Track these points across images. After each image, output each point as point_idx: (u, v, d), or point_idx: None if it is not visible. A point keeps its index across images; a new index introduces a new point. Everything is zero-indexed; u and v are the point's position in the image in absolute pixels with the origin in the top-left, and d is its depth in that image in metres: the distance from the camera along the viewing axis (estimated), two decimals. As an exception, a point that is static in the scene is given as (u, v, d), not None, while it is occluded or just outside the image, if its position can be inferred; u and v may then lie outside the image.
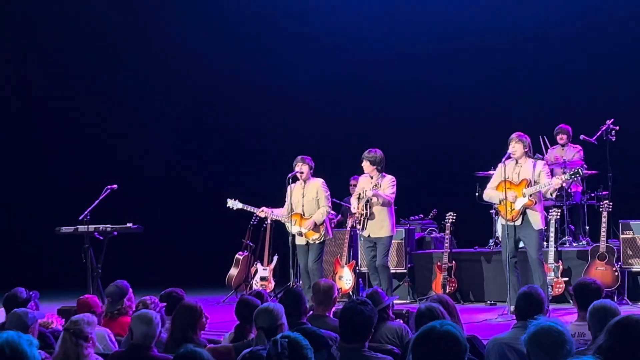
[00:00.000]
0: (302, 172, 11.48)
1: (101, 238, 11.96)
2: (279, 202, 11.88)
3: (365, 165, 11.29)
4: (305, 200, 11.55)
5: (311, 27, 17.22)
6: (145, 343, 6.04)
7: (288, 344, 4.16)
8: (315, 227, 11.46)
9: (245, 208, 12.16)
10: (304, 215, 11.54)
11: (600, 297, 6.37)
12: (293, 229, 11.50)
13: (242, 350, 5.40)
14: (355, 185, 13.54)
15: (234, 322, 6.98)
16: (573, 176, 10.61)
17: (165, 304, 7.56)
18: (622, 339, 4.49)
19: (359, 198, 11.33)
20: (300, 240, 11.57)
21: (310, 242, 11.51)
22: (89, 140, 17.72)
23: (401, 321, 7.30)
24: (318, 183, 11.58)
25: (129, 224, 12.15)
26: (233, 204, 12.17)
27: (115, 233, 12.07)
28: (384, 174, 11.32)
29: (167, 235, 16.87)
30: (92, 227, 11.87)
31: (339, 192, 13.62)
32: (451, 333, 3.98)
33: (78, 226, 12.01)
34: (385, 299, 6.97)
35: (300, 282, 11.67)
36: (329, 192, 11.70)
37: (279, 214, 11.79)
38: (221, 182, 17.09)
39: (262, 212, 12.00)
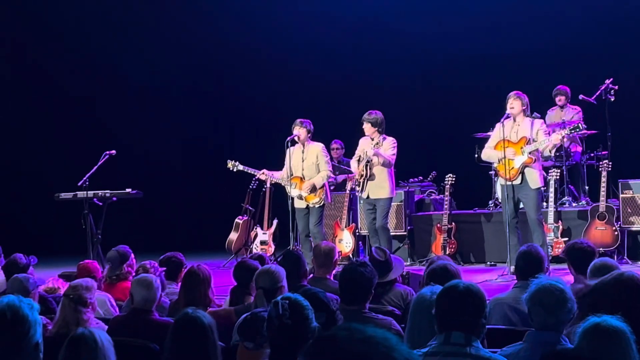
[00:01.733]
0: (299, 136, 11.41)
1: (100, 204, 11.96)
2: (278, 165, 11.81)
3: (367, 127, 11.26)
4: (305, 164, 11.45)
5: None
6: (145, 307, 6.05)
7: (289, 305, 4.16)
8: (315, 191, 11.41)
9: (245, 170, 12.08)
10: (303, 178, 11.45)
11: (594, 256, 6.40)
12: (293, 192, 11.43)
13: (242, 313, 5.43)
14: (337, 149, 13.59)
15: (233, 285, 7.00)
16: (573, 131, 10.56)
17: (165, 268, 7.57)
18: (616, 296, 4.52)
19: (359, 160, 11.29)
20: (299, 204, 11.48)
21: (310, 205, 11.47)
22: (87, 106, 17.67)
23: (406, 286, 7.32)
24: (318, 148, 11.50)
25: (128, 190, 12.14)
26: (234, 165, 12.10)
27: (115, 199, 12.07)
28: (384, 135, 11.28)
29: (166, 200, 16.87)
30: (91, 193, 11.86)
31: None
32: (473, 289, 4.29)
33: (77, 192, 12.00)
34: (402, 266, 7.08)
35: (300, 246, 11.66)
36: (329, 157, 11.68)
37: (278, 176, 11.72)
38: (220, 146, 17.06)
39: (263, 174, 11.87)
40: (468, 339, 4.17)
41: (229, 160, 12.11)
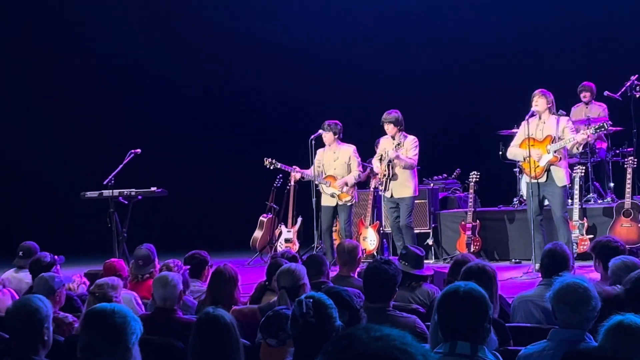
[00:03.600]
0: (326, 139, 11.58)
1: (126, 202, 12.01)
2: (302, 163, 11.92)
3: (389, 127, 11.27)
4: (337, 163, 11.66)
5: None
6: (166, 305, 6.08)
7: (313, 304, 4.17)
8: (347, 189, 11.53)
9: (281, 167, 12.18)
10: (336, 177, 11.64)
11: (622, 254, 6.37)
12: (327, 190, 11.61)
13: (266, 311, 5.45)
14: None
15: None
16: (598, 130, 10.52)
17: (189, 266, 7.61)
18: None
19: (380, 159, 11.32)
20: (328, 202, 11.63)
21: (341, 203, 11.59)
22: (113, 105, 17.76)
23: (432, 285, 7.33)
24: (350, 150, 11.69)
25: (153, 188, 12.19)
26: (271, 162, 12.15)
27: (140, 197, 12.12)
28: (404, 134, 11.30)
29: (191, 199, 16.93)
30: (116, 192, 11.91)
31: (362, 154, 13.68)
32: (474, 293, 4.05)
33: (103, 191, 12.06)
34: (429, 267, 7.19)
35: (323, 243, 11.73)
36: (360, 159, 11.78)
37: (310, 173, 11.85)
38: (245, 144, 17.12)
39: (296, 171, 11.98)
40: (474, 349, 4.03)
41: (265, 158, 12.16)
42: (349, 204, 11.61)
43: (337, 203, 11.60)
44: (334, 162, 11.66)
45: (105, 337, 3.95)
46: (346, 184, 11.53)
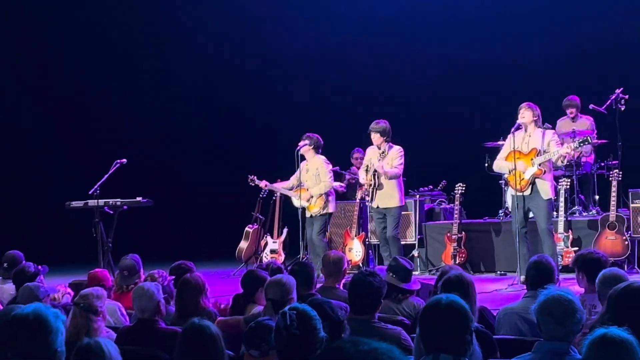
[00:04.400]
0: (304, 149, 11.74)
1: (111, 212, 11.96)
2: (287, 175, 12.09)
3: (376, 137, 11.32)
4: (309, 175, 11.87)
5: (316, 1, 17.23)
6: (145, 316, 6.05)
7: (296, 316, 4.16)
8: (316, 200, 11.61)
9: (257, 183, 12.58)
10: (307, 190, 11.84)
11: (606, 266, 6.39)
12: (296, 202, 11.84)
13: (251, 322, 5.42)
14: (358, 158, 13.68)
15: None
16: (582, 144, 10.56)
17: (174, 276, 7.58)
18: (623, 308, 4.53)
19: (366, 170, 11.36)
20: (307, 213, 11.81)
21: (313, 214, 11.71)
22: (98, 114, 17.72)
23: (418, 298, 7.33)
24: (320, 160, 11.87)
25: (138, 198, 12.15)
26: (252, 180, 12.62)
27: (126, 207, 12.07)
28: (390, 144, 11.34)
29: (177, 209, 16.89)
30: (102, 202, 11.86)
31: (346, 164, 13.75)
32: (455, 305, 4.05)
33: (88, 201, 12.00)
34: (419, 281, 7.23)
35: (309, 254, 11.80)
36: (330, 168, 11.88)
37: (278, 186, 12.14)
38: (231, 155, 17.11)
39: (263, 184, 12.53)
40: None
41: (249, 176, 12.57)
42: (319, 214, 11.70)
43: (311, 214, 11.74)
44: (306, 173, 11.86)
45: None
46: (312, 196, 11.69)
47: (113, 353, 4.22)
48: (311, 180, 11.79)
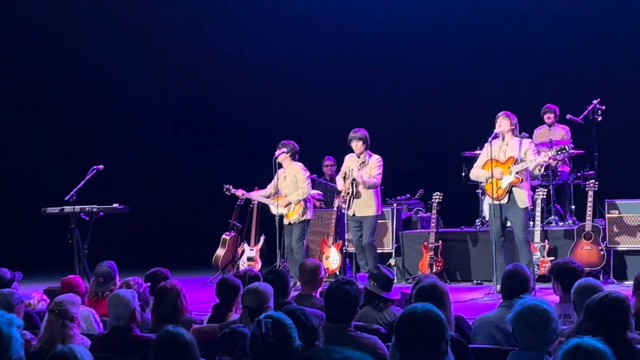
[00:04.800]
0: (281, 156, 11.74)
1: (87, 219, 11.92)
2: (265, 183, 12.09)
3: (359, 145, 11.33)
4: (286, 182, 11.85)
5: (295, 3, 17.21)
6: (120, 324, 6.02)
7: (272, 325, 4.15)
8: (294, 207, 11.63)
9: (233, 192, 12.56)
10: (285, 197, 11.81)
11: (582, 276, 6.41)
12: (274, 210, 11.81)
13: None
14: (329, 166, 13.71)
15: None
16: (559, 152, 10.60)
17: (149, 284, 7.54)
18: (599, 317, 4.55)
19: (344, 177, 11.36)
20: (285, 220, 11.79)
21: (291, 222, 11.69)
22: (75, 120, 17.63)
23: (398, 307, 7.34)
24: (297, 167, 11.86)
25: (115, 205, 12.11)
26: (227, 189, 12.57)
27: (102, 214, 12.03)
28: (369, 152, 11.35)
29: (153, 216, 16.82)
30: (78, 208, 11.81)
31: (317, 172, 13.80)
32: (431, 314, 4.05)
33: (64, 207, 11.95)
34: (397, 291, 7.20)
35: (286, 262, 11.79)
36: (307, 174, 11.89)
37: (254, 195, 12.23)
38: (208, 162, 17.08)
39: (239, 192, 12.51)
40: None
41: (224, 185, 12.53)
42: (298, 221, 11.70)
43: (289, 222, 11.73)
44: (283, 181, 11.86)
45: None
46: (289, 203, 11.69)
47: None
48: (289, 187, 11.78)
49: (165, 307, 6.49)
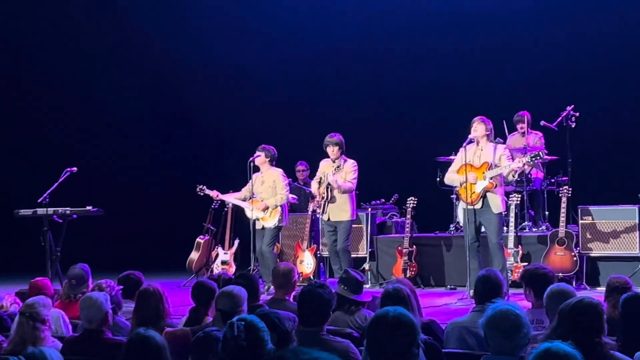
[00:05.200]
0: (260, 160, 11.76)
1: (60, 221, 11.87)
2: (238, 186, 12.08)
3: (335, 150, 11.36)
4: (264, 187, 11.86)
5: (268, 8, 17.21)
6: (92, 327, 5.99)
7: (244, 327, 4.14)
8: (270, 213, 11.62)
9: (207, 193, 12.50)
10: (261, 201, 11.81)
11: (553, 281, 6.47)
12: (251, 214, 11.78)
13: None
14: (302, 171, 13.72)
15: (193, 305, 6.95)
16: (534, 158, 10.63)
17: (122, 287, 7.51)
18: (573, 322, 4.57)
19: (319, 182, 11.37)
20: (257, 225, 11.80)
21: (266, 226, 11.71)
22: (48, 122, 17.55)
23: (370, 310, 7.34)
24: (277, 173, 11.90)
25: (88, 207, 12.07)
26: (201, 189, 12.54)
27: (75, 216, 11.98)
28: (345, 157, 11.37)
29: (127, 219, 16.75)
30: (51, 210, 11.76)
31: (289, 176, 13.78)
32: (403, 318, 4.05)
33: (37, 209, 11.89)
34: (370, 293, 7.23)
35: (259, 266, 11.83)
36: (287, 182, 11.90)
37: (229, 197, 12.22)
38: (182, 165, 17.03)
39: (214, 193, 12.46)
40: None
41: (197, 185, 12.51)
42: (272, 226, 11.72)
43: (263, 226, 11.75)
44: (261, 185, 11.88)
45: None
46: (267, 208, 11.69)
47: None
48: (267, 192, 11.79)
49: (148, 311, 6.46)
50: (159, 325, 6.20)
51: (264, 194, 11.79)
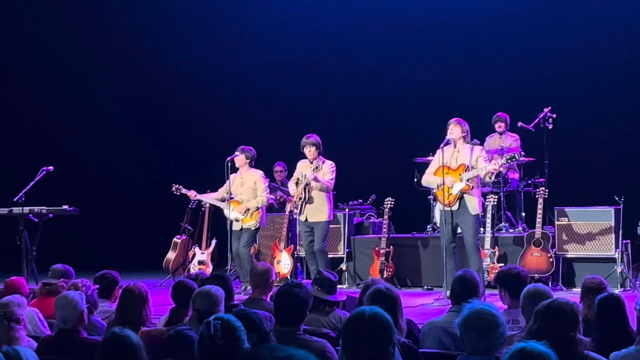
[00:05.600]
0: (240, 161, 11.74)
1: (36, 220, 11.82)
2: (215, 186, 12.03)
3: (311, 150, 11.35)
4: (244, 189, 11.82)
5: (247, 12, 17.20)
6: (67, 326, 5.95)
7: (221, 326, 4.13)
8: (251, 214, 11.60)
9: (184, 192, 12.37)
10: (241, 203, 11.75)
11: (527, 280, 6.51)
12: (231, 215, 11.72)
13: (174, 332, 5.36)
14: (280, 172, 13.71)
15: (171, 305, 6.93)
16: (509, 160, 10.66)
17: (97, 286, 7.48)
18: (548, 322, 4.60)
19: (297, 182, 11.37)
20: (235, 226, 11.77)
21: (245, 227, 11.68)
22: (25, 120, 17.45)
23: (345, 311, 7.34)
24: (257, 175, 11.88)
25: (64, 206, 12.03)
26: (177, 189, 12.41)
27: (51, 215, 11.94)
28: (322, 158, 11.37)
29: (103, 218, 16.69)
30: (26, 209, 11.71)
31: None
32: (379, 317, 4.06)
33: (12, 208, 11.84)
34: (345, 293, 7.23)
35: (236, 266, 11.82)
36: (267, 184, 11.87)
37: (206, 197, 12.09)
38: (159, 165, 16.99)
39: (192, 194, 12.33)
40: None
41: (173, 184, 12.30)
42: (252, 228, 11.71)
43: (241, 227, 11.68)
44: (240, 186, 11.85)
45: None
46: (248, 209, 11.66)
47: None
48: (247, 193, 11.77)
49: (132, 314, 6.43)
50: (138, 328, 6.17)
51: (244, 195, 11.77)
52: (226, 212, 11.78)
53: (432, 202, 12.63)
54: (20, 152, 16.80)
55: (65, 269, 8.16)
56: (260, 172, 11.92)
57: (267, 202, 11.95)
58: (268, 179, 12.43)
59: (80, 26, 17.43)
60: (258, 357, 2.07)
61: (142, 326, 6.39)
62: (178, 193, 12.42)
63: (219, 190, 12.01)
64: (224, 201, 11.87)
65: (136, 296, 6.54)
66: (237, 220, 11.73)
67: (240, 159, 11.73)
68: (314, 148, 11.33)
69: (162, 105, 17.59)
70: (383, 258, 12.28)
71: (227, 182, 11.77)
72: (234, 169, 11.86)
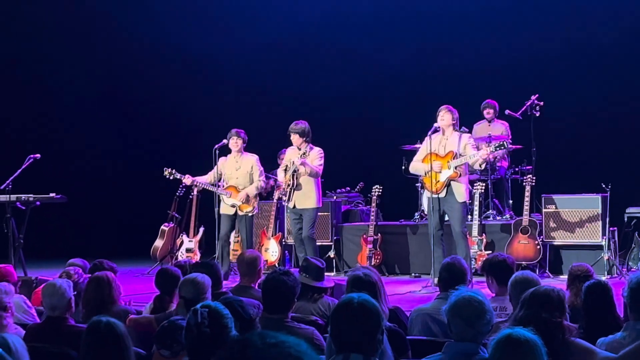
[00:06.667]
0: (235, 145, 11.61)
1: (23, 208, 11.77)
2: (202, 172, 11.91)
3: (295, 138, 11.30)
4: (240, 173, 11.69)
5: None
6: (55, 314, 5.95)
7: (208, 314, 4.13)
8: (248, 200, 11.52)
9: (179, 177, 12.08)
10: (237, 188, 11.62)
11: (513, 267, 6.55)
12: (228, 201, 11.60)
13: (163, 321, 5.37)
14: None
15: (156, 293, 6.93)
16: (498, 148, 10.67)
17: (89, 275, 7.46)
18: (535, 309, 4.62)
19: (285, 169, 11.35)
20: (227, 210, 11.61)
21: (242, 214, 11.58)
22: (11, 108, 17.38)
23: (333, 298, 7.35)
24: (253, 159, 11.75)
25: (52, 194, 11.97)
26: (170, 172, 12.07)
27: (38, 203, 11.89)
28: (311, 145, 11.34)
29: (91, 206, 16.66)
30: (14, 197, 11.66)
31: (267, 165, 13.68)
32: (367, 304, 4.07)
33: (-1, 195, 11.80)
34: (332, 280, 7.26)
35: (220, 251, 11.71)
36: (262, 169, 11.80)
37: (203, 181, 11.85)
38: (146, 152, 16.95)
39: (187, 179, 11.95)
40: None
41: (165, 168, 12.08)
42: (250, 214, 11.62)
43: (236, 213, 11.59)
44: (236, 171, 11.69)
45: None
46: (248, 196, 11.57)
47: (20, 349, 4.12)
48: (243, 178, 11.65)
49: (94, 298, 6.41)
50: (108, 310, 6.14)
51: (240, 179, 11.64)
52: (225, 198, 11.59)
53: (419, 189, 12.65)
54: (5, 140, 16.74)
55: (82, 264, 8.14)
56: (256, 156, 11.78)
57: (262, 189, 11.89)
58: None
59: (60, 14, 17.34)
60: (248, 343, 2.06)
61: (112, 307, 6.36)
62: (171, 177, 12.06)
63: (209, 174, 11.83)
64: (213, 186, 11.74)
65: (99, 283, 6.50)
66: (234, 207, 11.59)
67: (237, 142, 11.58)
68: (297, 136, 11.25)
69: (149, 93, 17.53)
70: (371, 245, 12.29)
71: (215, 167, 11.64)
72: (222, 155, 11.72)
